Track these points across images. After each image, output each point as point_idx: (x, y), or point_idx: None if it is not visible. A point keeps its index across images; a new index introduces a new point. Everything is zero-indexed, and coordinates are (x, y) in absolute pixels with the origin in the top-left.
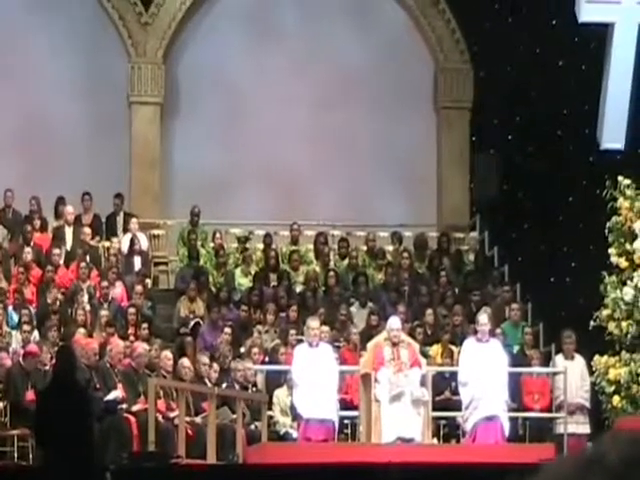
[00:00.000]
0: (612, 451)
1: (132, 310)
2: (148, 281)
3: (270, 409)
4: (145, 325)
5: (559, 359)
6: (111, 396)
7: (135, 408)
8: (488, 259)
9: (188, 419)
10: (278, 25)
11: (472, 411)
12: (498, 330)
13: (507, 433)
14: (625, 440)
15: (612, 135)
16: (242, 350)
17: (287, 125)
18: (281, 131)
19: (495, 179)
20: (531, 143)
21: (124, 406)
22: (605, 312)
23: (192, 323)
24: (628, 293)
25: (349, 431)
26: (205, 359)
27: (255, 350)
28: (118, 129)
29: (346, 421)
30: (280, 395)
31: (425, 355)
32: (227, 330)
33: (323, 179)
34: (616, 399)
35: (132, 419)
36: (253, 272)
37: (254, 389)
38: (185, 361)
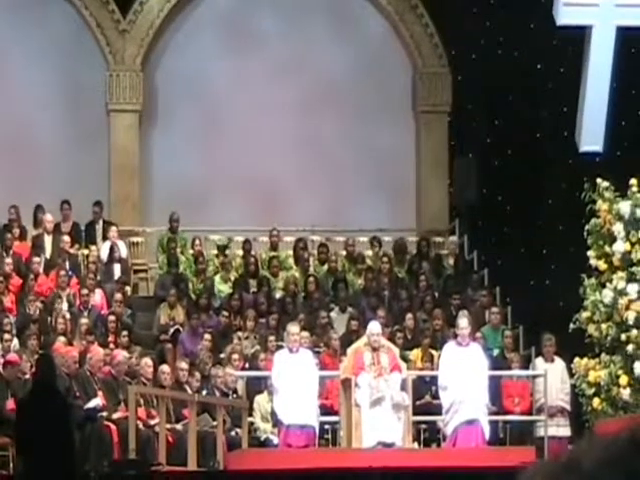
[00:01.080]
0: (588, 455)
1: (112, 318)
2: (128, 288)
3: (251, 415)
4: (125, 332)
5: (539, 362)
6: (91, 404)
7: (115, 416)
8: (468, 263)
9: (169, 426)
10: (257, 32)
11: (452, 415)
12: (478, 334)
13: (488, 437)
14: (601, 443)
15: (591, 138)
16: (222, 356)
17: (266, 132)
18: (260, 138)
19: (474, 183)
20: (510, 146)
21: (104, 414)
22: (585, 314)
23: (172, 330)
24: (607, 295)
25: (330, 436)
26: (185, 366)
27: (235, 356)
28: (97, 137)
29: (327, 426)
30: (261, 401)
31: (405, 359)
32: (207, 337)
33: (302, 185)
34: (596, 401)
35: (112, 427)
36: (233, 278)
37: (234, 395)
38: (165, 368)
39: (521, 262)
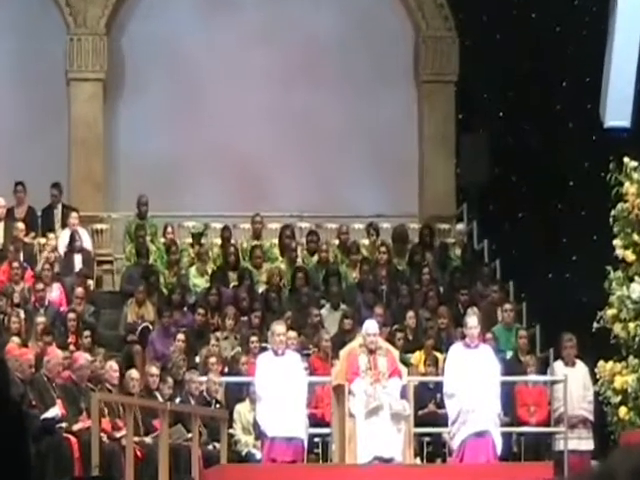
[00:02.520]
0: (623, 467)
1: (72, 316)
2: (90, 282)
3: (230, 427)
4: (87, 333)
5: (558, 366)
6: (49, 414)
7: (76, 427)
8: (477, 253)
9: (137, 439)
10: None
11: (460, 426)
12: (489, 334)
13: (499, 451)
14: (636, 455)
15: (617, 112)
16: (198, 360)
17: (247, 104)
18: (240, 111)
19: (484, 162)
20: (525, 121)
21: (64, 425)
22: (610, 312)
23: (141, 329)
24: (636, 290)
25: (320, 450)
26: (156, 370)
27: (213, 360)
28: (55, 110)
29: (316, 439)
30: (242, 410)
31: (406, 363)
32: (180, 337)
33: (288, 164)
34: (623, 410)
35: (73, 439)
36: (210, 271)
37: (217, 405)
38: (133, 373)
39: (538, 252)
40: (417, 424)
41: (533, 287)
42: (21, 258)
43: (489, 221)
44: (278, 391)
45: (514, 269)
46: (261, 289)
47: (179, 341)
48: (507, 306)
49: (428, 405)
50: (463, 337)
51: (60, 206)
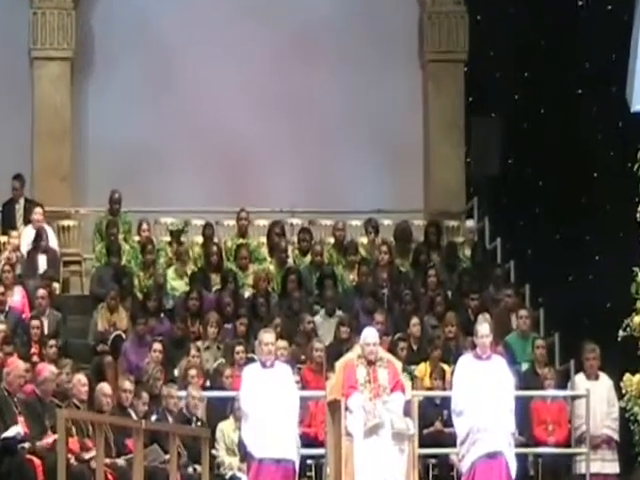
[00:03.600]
0: None
1: (35, 323)
2: (56, 286)
3: (213, 447)
4: (52, 342)
5: (580, 379)
6: (10, 432)
7: (41, 446)
8: (489, 254)
9: (108, 461)
10: None
11: (469, 447)
12: (502, 344)
13: (514, 474)
14: None
15: None
16: (176, 372)
17: (231, 87)
18: (224, 95)
19: (497, 151)
20: (543, 104)
21: (26, 445)
22: (638, 319)
23: (112, 338)
24: None
25: (313, 474)
26: (129, 384)
27: (193, 372)
28: (16, 92)
29: (309, 461)
30: (225, 429)
31: (410, 376)
32: (157, 347)
33: (278, 154)
34: None
35: (37, 461)
36: (190, 273)
37: (198, 423)
38: (104, 387)
39: (557, 252)
40: (422, 444)
41: (551, 291)
42: None
43: (502, 217)
44: (266, 407)
45: (530, 271)
46: (247, 293)
47: (155, 351)
48: (522, 312)
49: (434, 423)
50: (473, 347)
51: (22, 201)
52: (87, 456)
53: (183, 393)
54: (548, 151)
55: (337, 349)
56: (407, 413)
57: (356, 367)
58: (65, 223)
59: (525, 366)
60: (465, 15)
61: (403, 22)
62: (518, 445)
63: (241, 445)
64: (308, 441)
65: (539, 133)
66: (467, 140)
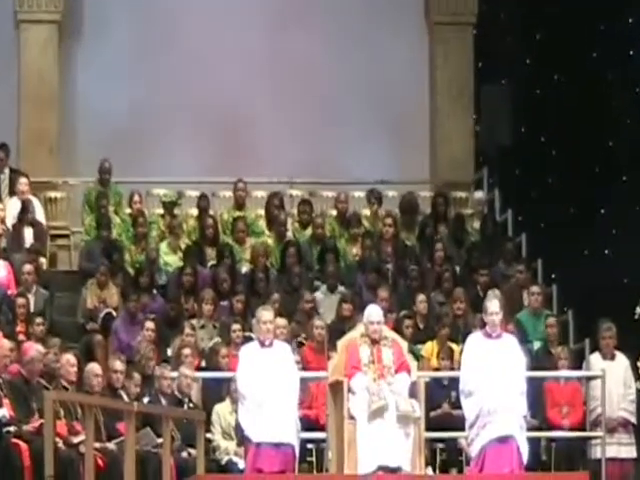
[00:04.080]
0: None
1: (21, 300)
2: (43, 260)
3: (208, 430)
4: (39, 320)
5: (595, 359)
6: None
7: (27, 430)
8: (499, 227)
9: (98, 445)
10: None
11: (479, 430)
12: (512, 322)
13: (526, 459)
14: None
15: None
16: (170, 352)
17: (229, 52)
18: (221, 60)
19: (508, 118)
20: (557, 70)
21: (12, 429)
22: None
23: (102, 316)
24: None
25: (314, 459)
26: (120, 365)
27: (187, 352)
28: (1, 57)
29: (310, 445)
30: (221, 412)
31: (416, 356)
32: (149, 325)
33: (278, 122)
34: None
35: (23, 445)
36: (184, 247)
37: (189, 405)
38: (94, 367)
39: (571, 225)
40: (429, 428)
41: (565, 266)
42: None
43: (513, 188)
44: (264, 389)
45: (543, 245)
46: (244, 269)
47: (148, 330)
48: (535, 289)
49: (442, 405)
50: (483, 325)
51: (7, 171)
52: (76, 440)
53: (176, 374)
54: (562, 119)
55: (339, 327)
56: (413, 395)
57: (359, 346)
58: (52, 194)
59: (537, 345)
60: None
61: None
62: (530, 428)
63: (238, 429)
64: (309, 424)
65: (552, 100)
66: (476, 107)
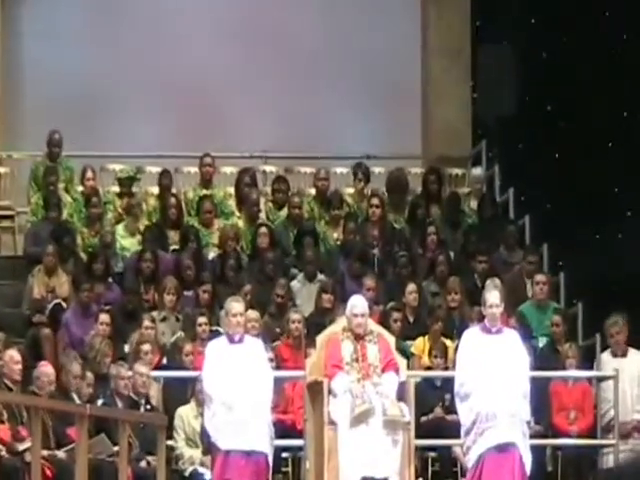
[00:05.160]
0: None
1: None
2: None
3: (170, 437)
4: None
5: (607, 357)
6: None
7: None
8: (500, 207)
9: (46, 453)
10: None
11: (476, 437)
12: (515, 316)
13: (529, 470)
14: None
15: None
16: (127, 349)
17: (195, 14)
18: (187, 22)
19: (510, 85)
20: (564, 29)
21: None
22: None
23: (51, 307)
24: None
25: (290, 469)
26: (72, 363)
27: (146, 347)
28: None
29: (285, 454)
30: (185, 415)
31: (405, 353)
32: (104, 318)
33: (249, 90)
34: None
35: None
36: (143, 229)
37: (147, 407)
38: (41, 366)
39: (581, 206)
40: (419, 434)
41: (574, 253)
42: None
43: (516, 164)
44: (234, 390)
45: (549, 228)
46: (211, 254)
47: (102, 323)
48: (540, 277)
49: (434, 409)
50: (481, 319)
51: None
52: (21, 447)
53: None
54: (571, 85)
55: (318, 321)
56: (402, 397)
57: (341, 342)
58: None
59: (542, 341)
60: None
61: None
62: (534, 435)
63: (204, 435)
64: (284, 430)
65: (560, 65)
66: (473, 73)
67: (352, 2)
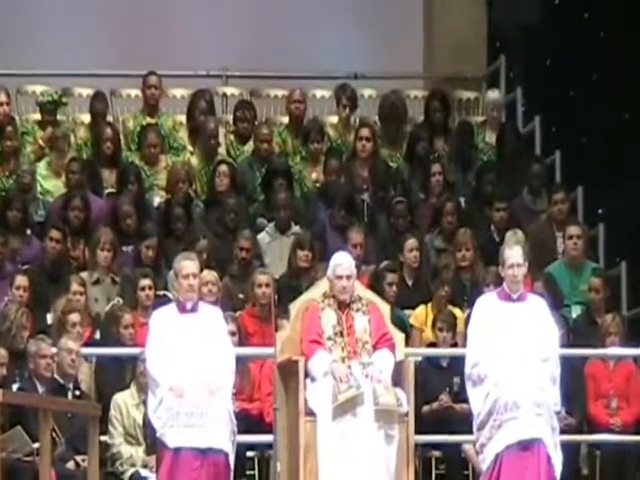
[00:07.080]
0: None
1: None
2: None
3: (105, 431)
4: None
5: None
6: None
7: None
8: (523, 140)
9: None
10: None
11: (493, 431)
12: (541, 278)
13: (559, 472)
14: None
15: None
16: (50, 319)
17: None
18: None
19: None
20: None
21: None
22: None
23: None
24: None
25: (256, 472)
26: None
27: (74, 318)
28: None
29: (250, 453)
30: (124, 404)
31: (403, 326)
32: (21, 281)
33: None
34: None
35: None
36: (70, 168)
37: (75, 393)
38: None
39: (626, 139)
40: (421, 429)
41: (616, 198)
42: None
43: (543, 87)
44: (185, 371)
45: (585, 167)
46: (157, 199)
47: (19, 288)
48: (573, 230)
49: (439, 396)
50: (499, 282)
51: None
52: None
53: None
54: None
55: (293, 284)
56: (398, 381)
57: (321, 311)
58: None
59: (577, 311)
60: None
61: None
62: (565, 430)
63: (148, 428)
64: (249, 423)
65: None
66: None
67: None
